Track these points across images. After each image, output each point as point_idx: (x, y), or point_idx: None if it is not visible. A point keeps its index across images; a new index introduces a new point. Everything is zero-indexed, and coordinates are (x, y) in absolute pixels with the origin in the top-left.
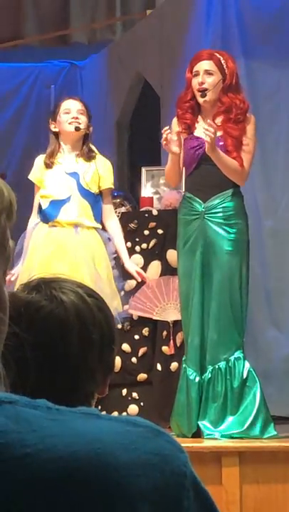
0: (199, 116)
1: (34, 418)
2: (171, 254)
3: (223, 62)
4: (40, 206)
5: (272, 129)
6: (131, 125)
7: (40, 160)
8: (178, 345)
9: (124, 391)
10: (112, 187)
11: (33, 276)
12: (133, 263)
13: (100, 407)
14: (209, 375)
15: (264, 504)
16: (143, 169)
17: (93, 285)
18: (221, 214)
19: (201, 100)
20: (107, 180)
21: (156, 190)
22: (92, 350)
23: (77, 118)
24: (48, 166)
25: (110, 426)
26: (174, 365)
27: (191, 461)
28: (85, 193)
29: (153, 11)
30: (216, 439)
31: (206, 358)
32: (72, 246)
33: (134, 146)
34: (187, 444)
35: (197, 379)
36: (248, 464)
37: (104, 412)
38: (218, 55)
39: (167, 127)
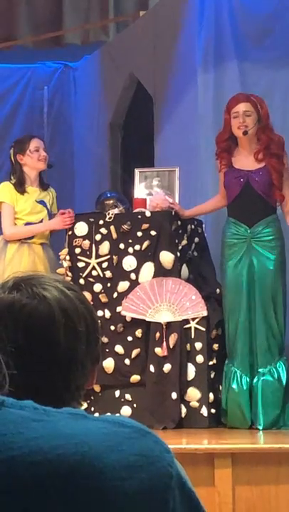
0: (237, 150)
1: (21, 419)
2: (164, 256)
3: (258, 105)
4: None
5: None
6: (124, 126)
7: (8, 186)
8: (171, 346)
9: (117, 393)
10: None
11: (8, 276)
12: None
13: (92, 409)
14: (261, 378)
15: (256, 505)
16: (136, 170)
17: None
18: (265, 238)
19: (241, 136)
20: (55, 205)
21: (149, 191)
22: (80, 343)
23: (46, 156)
24: (21, 193)
25: (97, 427)
26: (166, 367)
27: (184, 462)
28: (50, 218)
29: (146, 12)
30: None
31: (254, 362)
32: (43, 259)
33: (128, 147)
34: (181, 445)
35: (247, 382)
36: (240, 466)
37: (97, 414)
38: (253, 98)
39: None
